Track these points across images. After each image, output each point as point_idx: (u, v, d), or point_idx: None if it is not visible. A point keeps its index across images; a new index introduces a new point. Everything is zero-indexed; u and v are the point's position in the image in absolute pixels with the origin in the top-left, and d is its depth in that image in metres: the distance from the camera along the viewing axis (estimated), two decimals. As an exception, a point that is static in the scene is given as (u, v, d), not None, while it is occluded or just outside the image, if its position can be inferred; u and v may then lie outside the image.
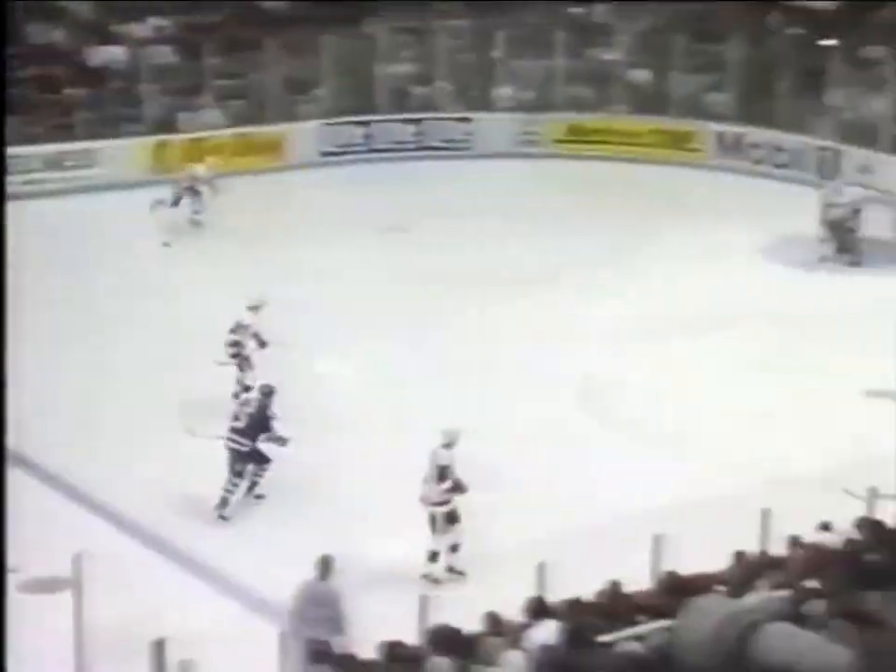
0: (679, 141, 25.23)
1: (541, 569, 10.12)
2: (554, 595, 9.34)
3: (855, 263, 20.13)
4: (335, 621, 9.97)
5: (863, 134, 23.57)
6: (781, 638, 1.87)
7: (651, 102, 25.78)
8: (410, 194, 22.78)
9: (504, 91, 26.27)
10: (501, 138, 25.44)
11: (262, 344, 14.82)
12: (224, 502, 13.04)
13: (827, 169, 23.08)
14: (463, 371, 15.73)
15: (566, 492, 13.24)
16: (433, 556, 12.11)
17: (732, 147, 24.90)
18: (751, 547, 10.88)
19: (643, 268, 19.40)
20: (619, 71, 25.95)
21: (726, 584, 9.78)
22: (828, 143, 23.66)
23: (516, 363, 16.15)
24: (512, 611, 8.89)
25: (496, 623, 8.97)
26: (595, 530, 12.33)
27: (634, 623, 8.01)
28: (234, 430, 13.08)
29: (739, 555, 10.53)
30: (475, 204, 22.17)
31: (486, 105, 26.13)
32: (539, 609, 8.86)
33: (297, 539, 12.03)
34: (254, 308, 14.97)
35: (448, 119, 25.72)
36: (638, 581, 10.06)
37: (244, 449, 13.06)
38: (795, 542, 10.32)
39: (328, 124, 25.26)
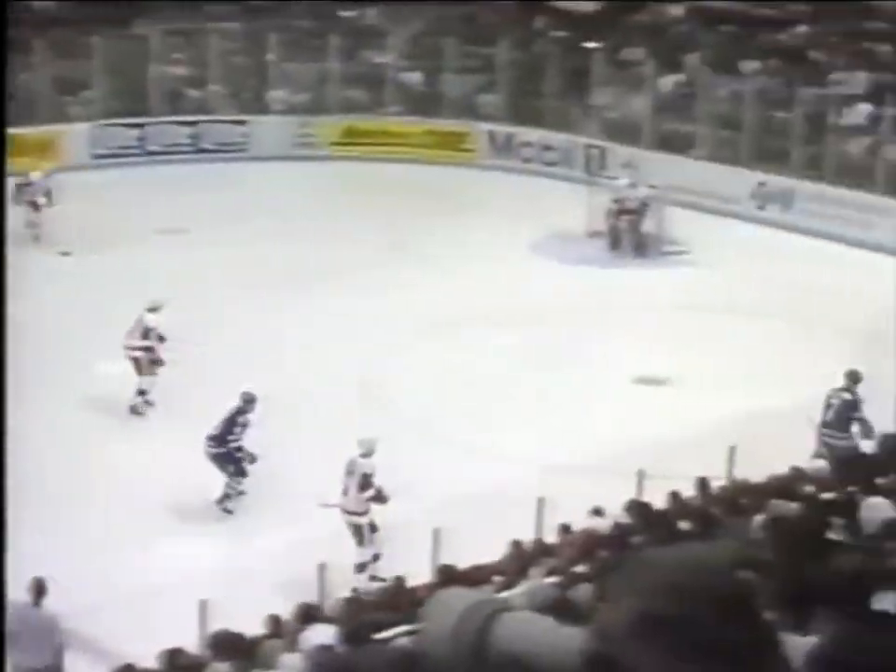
0: (451, 141, 25.69)
1: (321, 569, 10.37)
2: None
3: (639, 256, 20.94)
4: (49, 648, 9.61)
5: (627, 132, 24.47)
6: (517, 627, 1.94)
7: (423, 103, 26.16)
8: (186, 196, 22.61)
9: (278, 94, 26.29)
10: (277, 141, 25.48)
11: (162, 340, 15.32)
12: (226, 497, 13.39)
13: (593, 166, 23.88)
14: (247, 370, 15.66)
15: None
16: (361, 568, 12.16)
17: (503, 147, 25.49)
18: (528, 536, 11.27)
19: (420, 267, 19.71)
20: (391, 73, 26.29)
21: (502, 574, 10.16)
22: (594, 141, 24.46)
23: (297, 363, 16.26)
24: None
25: (276, 626, 9.10)
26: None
27: (416, 618, 8.28)
28: (209, 436, 13.39)
29: (515, 544, 10.87)
30: (253, 206, 22.24)
31: (261, 107, 26.13)
32: (307, 615, 9.01)
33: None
34: (154, 310, 15.30)
35: (223, 121, 25.64)
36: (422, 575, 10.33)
37: (217, 451, 13.33)
38: (566, 529, 10.70)
39: (100, 126, 24.91)
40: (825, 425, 13.58)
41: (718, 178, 22.85)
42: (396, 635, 7.91)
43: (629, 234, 21.11)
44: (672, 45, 25.03)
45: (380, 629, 8.19)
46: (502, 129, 25.50)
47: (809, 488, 9.48)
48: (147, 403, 15.32)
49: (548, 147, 25.07)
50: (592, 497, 11.15)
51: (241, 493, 13.54)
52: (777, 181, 22.47)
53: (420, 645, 2.00)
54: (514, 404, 15.24)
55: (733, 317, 18.04)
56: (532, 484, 12.45)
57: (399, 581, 10.25)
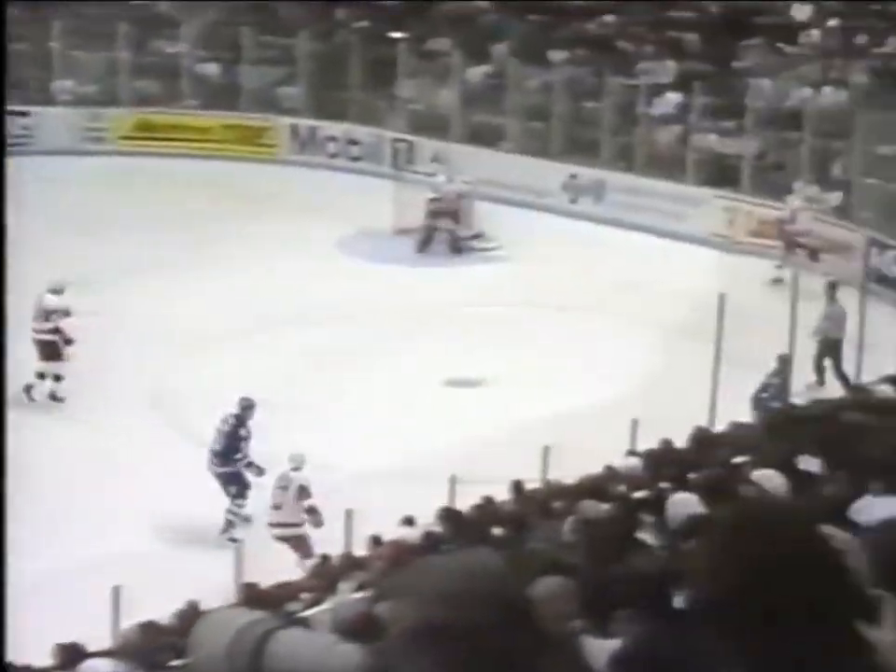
0: (252, 136, 24.97)
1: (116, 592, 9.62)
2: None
3: (454, 254, 20.50)
4: None
5: (435, 125, 24.03)
6: (292, 646, 1.87)
7: (221, 96, 25.41)
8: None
9: (64, 84, 25.25)
10: (64, 134, 24.45)
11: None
12: (229, 524, 12.98)
13: (401, 161, 23.35)
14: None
15: (149, 508, 12.75)
16: None
17: (306, 142, 24.84)
18: (337, 549, 10.78)
19: (219, 267, 18.95)
20: (186, 64, 25.42)
21: (309, 590, 9.58)
22: (402, 135, 23.94)
23: (91, 368, 15.42)
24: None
25: (65, 656, 8.54)
26: (163, 554, 12.09)
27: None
28: (212, 452, 13.05)
29: (323, 559, 10.39)
30: (37, 203, 21.03)
31: (46, 98, 25.04)
32: (73, 656, 8.44)
33: None
34: (57, 291, 15.41)
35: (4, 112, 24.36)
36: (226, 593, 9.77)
37: (221, 470, 12.97)
38: (376, 541, 10.23)
39: None
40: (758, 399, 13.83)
41: (529, 171, 22.58)
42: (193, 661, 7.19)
43: (446, 233, 20.64)
44: (479, 35, 24.67)
45: (178, 655, 7.62)
46: (305, 123, 24.85)
47: (621, 487, 9.16)
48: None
49: (353, 142, 24.50)
50: (403, 506, 10.71)
51: (246, 519, 13.03)
52: (588, 173, 22.29)
53: (193, 668, 1.98)
54: (318, 408, 14.60)
55: (546, 313, 17.76)
56: (340, 494, 11.98)
57: (192, 605, 9.51)
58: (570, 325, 17.47)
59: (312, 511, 12.32)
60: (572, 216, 21.70)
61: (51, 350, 15.10)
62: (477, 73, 24.29)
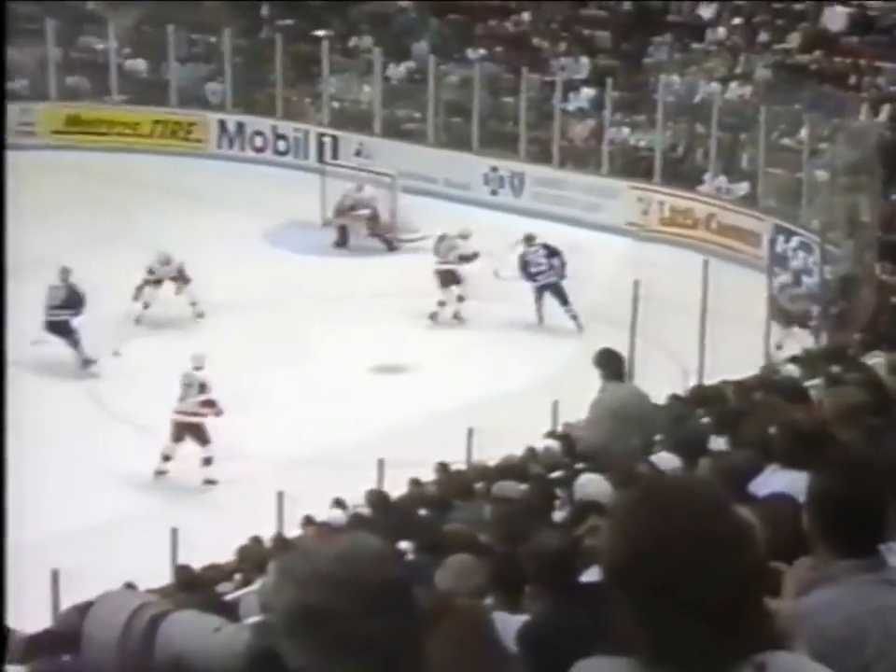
0: (180, 131, 24.81)
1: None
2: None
3: (389, 248, 20.53)
4: None
5: (358, 120, 24.05)
6: (183, 627, 1.94)
7: (150, 92, 25.24)
8: None
9: (-6, 81, 24.95)
10: (-6, 130, 24.20)
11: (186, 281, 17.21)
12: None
13: (326, 155, 23.34)
14: None
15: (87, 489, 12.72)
16: (208, 461, 13.67)
17: (234, 137, 24.76)
18: (269, 532, 10.80)
19: (145, 258, 18.78)
20: (115, 60, 25.19)
21: (241, 571, 9.63)
22: (326, 130, 23.93)
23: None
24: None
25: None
26: (101, 527, 11.97)
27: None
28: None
29: (254, 540, 10.40)
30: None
31: (-26, 95, 24.74)
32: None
33: None
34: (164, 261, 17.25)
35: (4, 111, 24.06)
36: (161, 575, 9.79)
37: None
38: (309, 521, 10.28)
39: None
40: None
41: (451, 165, 22.67)
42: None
43: (366, 230, 20.65)
44: (399, 33, 24.72)
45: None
46: (232, 118, 24.75)
47: (539, 468, 9.30)
48: None
49: (280, 136, 24.44)
50: (334, 491, 10.76)
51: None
52: (507, 166, 22.41)
53: (86, 652, 1.97)
54: (247, 397, 14.58)
55: (471, 303, 17.85)
56: (271, 479, 11.99)
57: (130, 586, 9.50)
58: (492, 312, 17.62)
59: (210, 403, 13.66)
60: (493, 207, 21.87)
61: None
62: (398, 70, 24.35)
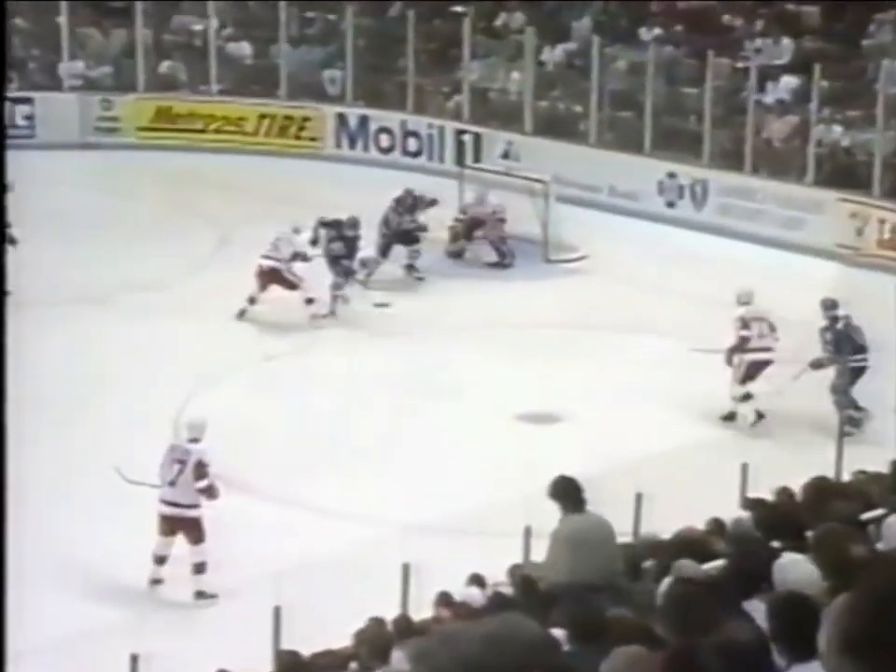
0: (291, 127, 25.35)
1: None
2: None
3: (506, 266, 20.67)
4: None
5: (506, 115, 24.26)
6: None
7: (255, 80, 25.81)
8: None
9: (73, 66, 25.74)
10: (71, 124, 24.95)
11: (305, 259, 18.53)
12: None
13: (466, 157, 23.53)
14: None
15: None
16: (199, 568, 12.48)
17: (355, 134, 25.17)
18: (392, 610, 10.90)
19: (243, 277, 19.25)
20: (215, 43, 25.79)
21: (357, 659, 9.75)
22: (467, 126, 24.19)
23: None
24: None
25: None
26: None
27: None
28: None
29: (375, 622, 10.49)
30: (37, 208, 21.48)
31: (52, 82, 25.56)
32: None
33: None
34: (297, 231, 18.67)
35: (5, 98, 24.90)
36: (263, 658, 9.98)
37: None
38: (446, 599, 10.32)
39: None
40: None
41: (617, 169, 22.84)
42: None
43: (491, 247, 20.82)
44: (556, 9, 24.92)
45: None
46: (354, 112, 25.16)
47: (723, 544, 9.23)
48: None
49: (411, 134, 24.78)
50: (466, 564, 10.81)
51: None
52: (687, 171, 22.44)
53: None
54: (364, 449, 14.82)
55: (634, 338, 17.84)
56: (391, 549, 12.11)
57: None
58: (659, 352, 17.56)
59: (209, 490, 12.38)
60: (668, 222, 21.87)
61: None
62: (554, 54, 24.53)
